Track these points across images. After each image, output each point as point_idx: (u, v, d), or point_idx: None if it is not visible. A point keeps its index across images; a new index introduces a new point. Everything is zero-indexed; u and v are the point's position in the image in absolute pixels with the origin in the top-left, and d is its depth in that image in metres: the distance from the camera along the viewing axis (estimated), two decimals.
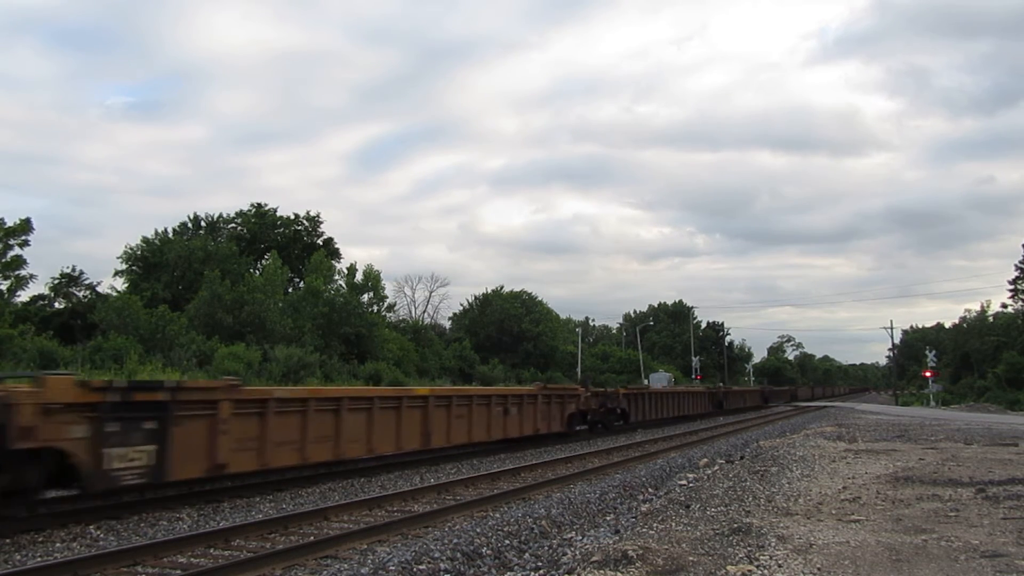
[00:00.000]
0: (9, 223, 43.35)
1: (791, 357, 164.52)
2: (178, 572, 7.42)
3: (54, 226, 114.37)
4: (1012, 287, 73.10)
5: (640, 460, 17.83)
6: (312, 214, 62.32)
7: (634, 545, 6.47)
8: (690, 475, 13.96)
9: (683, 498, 9.89)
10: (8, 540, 8.45)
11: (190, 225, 59.18)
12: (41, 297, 48.62)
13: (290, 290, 53.42)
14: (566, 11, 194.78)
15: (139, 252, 51.59)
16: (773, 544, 6.54)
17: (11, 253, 43.50)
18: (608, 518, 10.04)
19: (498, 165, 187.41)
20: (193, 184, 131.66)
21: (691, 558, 6.12)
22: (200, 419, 10.87)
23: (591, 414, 25.72)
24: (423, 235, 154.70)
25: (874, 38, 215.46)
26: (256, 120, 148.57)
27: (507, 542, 8.30)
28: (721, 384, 64.01)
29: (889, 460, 13.70)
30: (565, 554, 7.38)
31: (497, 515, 10.16)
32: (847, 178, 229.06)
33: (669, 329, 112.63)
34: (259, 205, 61.29)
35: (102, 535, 8.98)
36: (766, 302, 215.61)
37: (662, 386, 45.70)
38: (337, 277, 56.49)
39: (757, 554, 6.17)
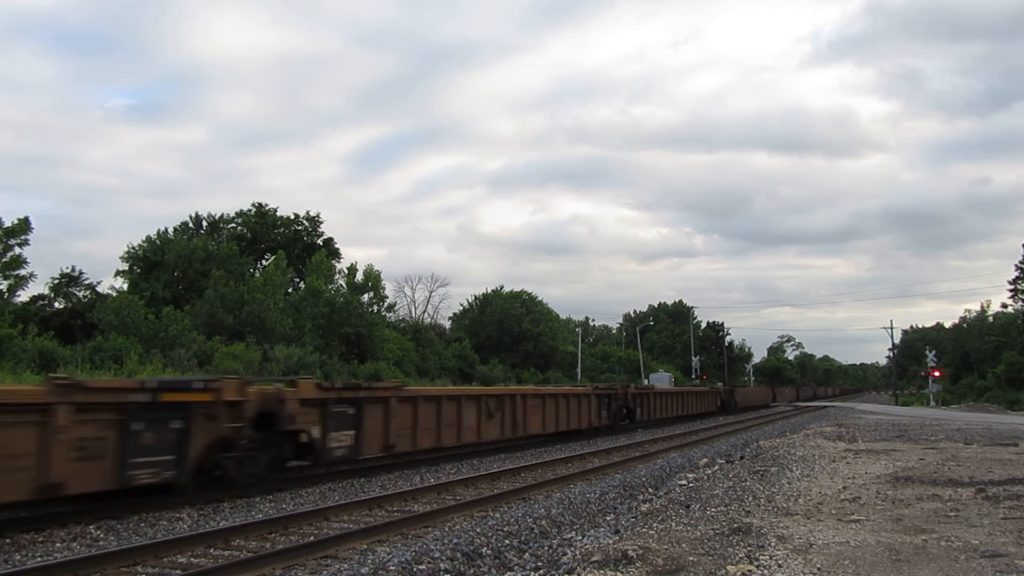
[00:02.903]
0: (8, 223, 43.36)
1: (791, 357, 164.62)
2: (178, 572, 7.42)
3: (54, 226, 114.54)
4: (1012, 287, 73.16)
5: (640, 460, 17.83)
6: (312, 214, 62.41)
7: (634, 545, 6.47)
8: (690, 475, 13.96)
9: (683, 498, 9.88)
10: (8, 540, 8.45)
11: (191, 225, 59.07)
12: (41, 297, 48.60)
13: (290, 290, 53.38)
14: (561, 15, 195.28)
15: (140, 252, 51.52)
16: (773, 544, 6.54)
17: (11, 253, 43.48)
18: (608, 518, 10.03)
19: (496, 166, 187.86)
20: (193, 185, 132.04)
21: (691, 558, 6.12)
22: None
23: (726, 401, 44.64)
24: (422, 235, 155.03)
25: (867, 41, 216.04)
26: (256, 122, 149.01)
27: (507, 542, 8.29)
28: (770, 386, 78.03)
29: (889, 460, 13.69)
30: (565, 554, 7.37)
31: (497, 515, 10.16)
32: (844, 179, 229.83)
33: (669, 329, 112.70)
34: (259, 205, 61.25)
35: (102, 535, 8.97)
36: (765, 302, 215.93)
37: (745, 386, 67.28)
38: (337, 277, 56.52)
39: (757, 554, 6.17)
